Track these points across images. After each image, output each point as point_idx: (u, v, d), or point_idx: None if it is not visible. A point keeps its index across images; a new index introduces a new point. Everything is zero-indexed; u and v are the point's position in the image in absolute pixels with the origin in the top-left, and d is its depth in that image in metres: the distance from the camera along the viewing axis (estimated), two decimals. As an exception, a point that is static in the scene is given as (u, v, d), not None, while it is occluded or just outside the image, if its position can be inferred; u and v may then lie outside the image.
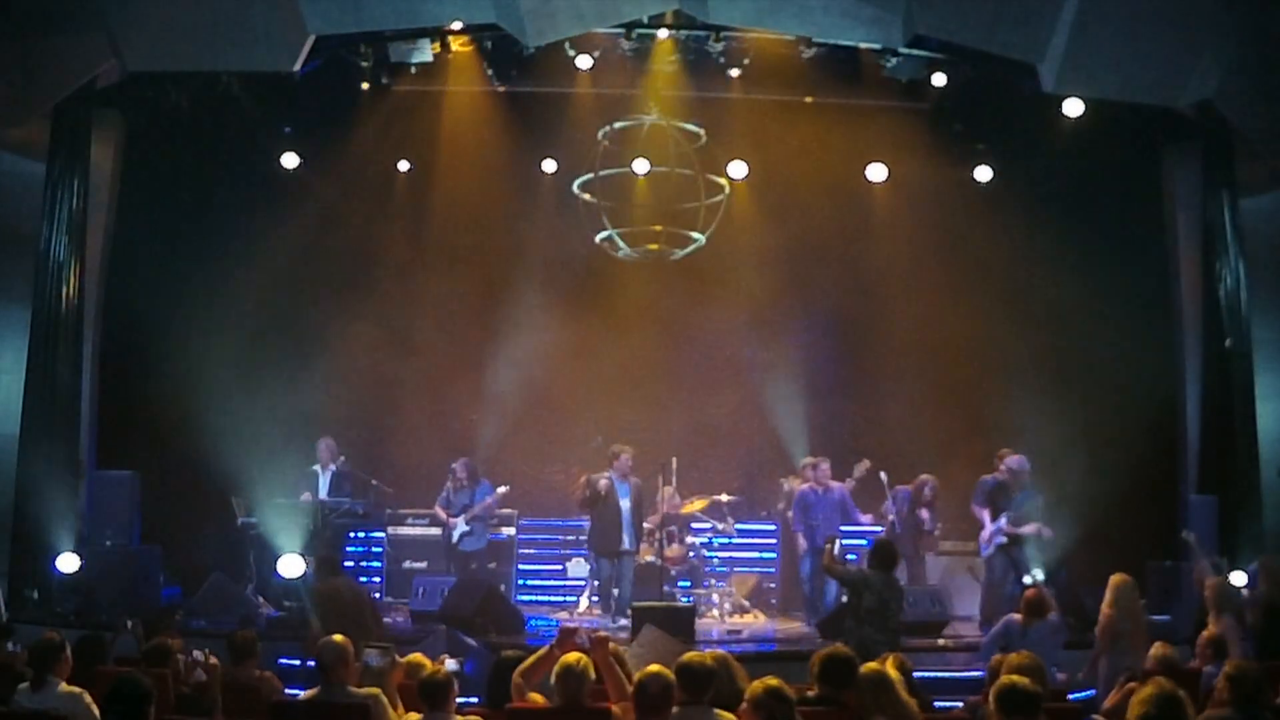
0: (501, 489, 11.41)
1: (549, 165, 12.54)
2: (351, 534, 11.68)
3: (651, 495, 11.42)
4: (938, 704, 6.34)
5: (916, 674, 6.00)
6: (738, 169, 12.20)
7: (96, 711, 5.21)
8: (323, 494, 11.18)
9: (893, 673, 5.08)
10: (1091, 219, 11.95)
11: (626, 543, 10.92)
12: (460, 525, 11.31)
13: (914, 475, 11.43)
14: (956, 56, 10.91)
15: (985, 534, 10.63)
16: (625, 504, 10.93)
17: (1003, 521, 10.53)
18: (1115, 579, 7.98)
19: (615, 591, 10.91)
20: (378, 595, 11.60)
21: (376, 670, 5.61)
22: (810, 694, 5.21)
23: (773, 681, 4.60)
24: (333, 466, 11.34)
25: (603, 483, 10.96)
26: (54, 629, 6.28)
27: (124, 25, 10.08)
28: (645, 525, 11.44)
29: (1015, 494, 10.60)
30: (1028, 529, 10.41)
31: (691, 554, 11.72)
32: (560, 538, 12.51)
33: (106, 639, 6.79)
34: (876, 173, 12.50)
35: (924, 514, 11.16)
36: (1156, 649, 6.72)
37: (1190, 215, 11.66)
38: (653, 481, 11.52)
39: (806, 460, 11.45)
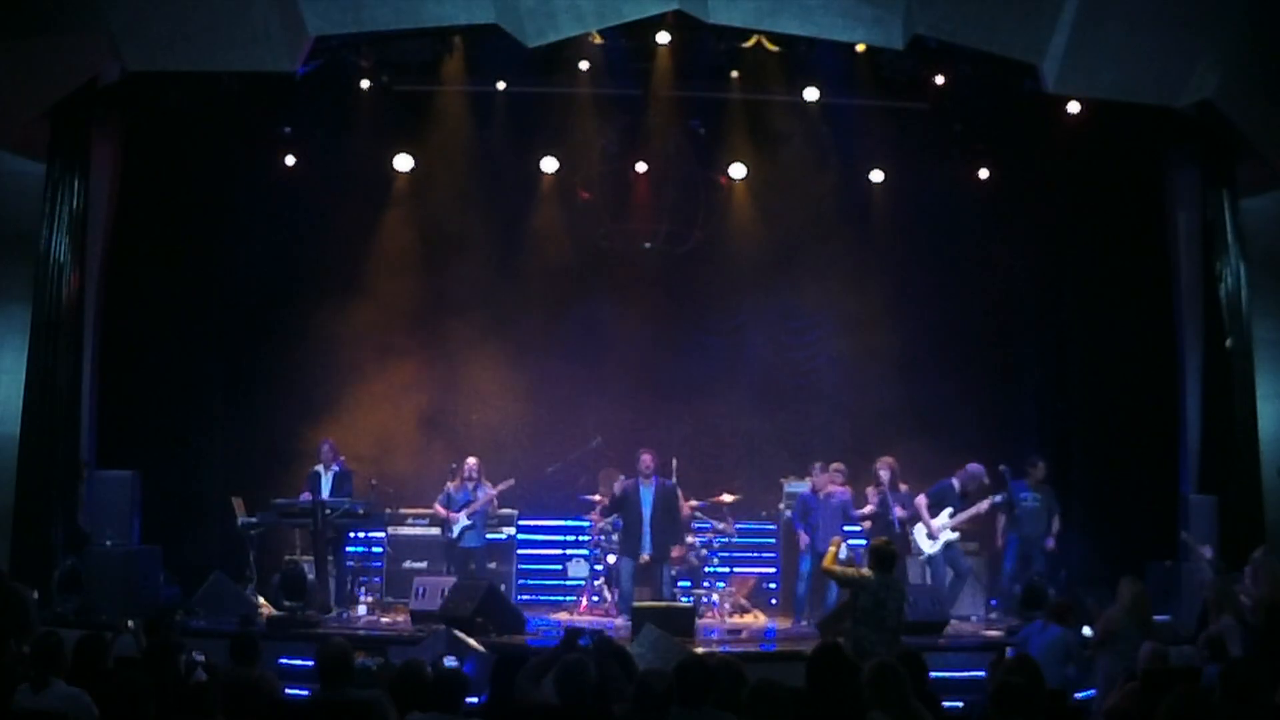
0: (504, 484, 11.44)
1: (549, 165, 12.54)
2: (351, 534, 11.68)
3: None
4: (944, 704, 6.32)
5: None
6: (737, 169, 12.20)
7: (97, 711, 5.20)
8: (325, 495, 11.18)
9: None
10: (1091, 219, 11.95)
11: (645, 548, 10.76)
12: (462, 520, 11.34)
13: (914, 474, 11.44)
14: (956, 56, 10.91)
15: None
16: (646, 509, 10.84)
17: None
18: (1126, 580, 7.95)
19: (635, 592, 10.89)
20: (377, 595, 11.64)
21: (370, 674, 5.61)
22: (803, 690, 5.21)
23: (764, 682, 4.60)
24: (334, 467, 11.34)
25: (617, 486, 10.96)
26: (53, 629, 6.27)
27: (124, 25, 10.08)
28: None
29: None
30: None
31: (691, 554, 11.72)
32: (560, 537, 12.51)
33: (106, 639, 6.78)
34: (876, 173, 12.50)
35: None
36: (1148, 648, 6.73)
37: (1190, 215, 11.66)
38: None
39: (835, 466, 11.38)
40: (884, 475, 11.11)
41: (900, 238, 12.45)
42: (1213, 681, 5.24)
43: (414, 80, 11.64)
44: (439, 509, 11.49)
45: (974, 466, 11.10)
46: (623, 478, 11.15)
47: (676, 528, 11.10)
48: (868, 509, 11.19)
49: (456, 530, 11.37)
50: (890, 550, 8.04)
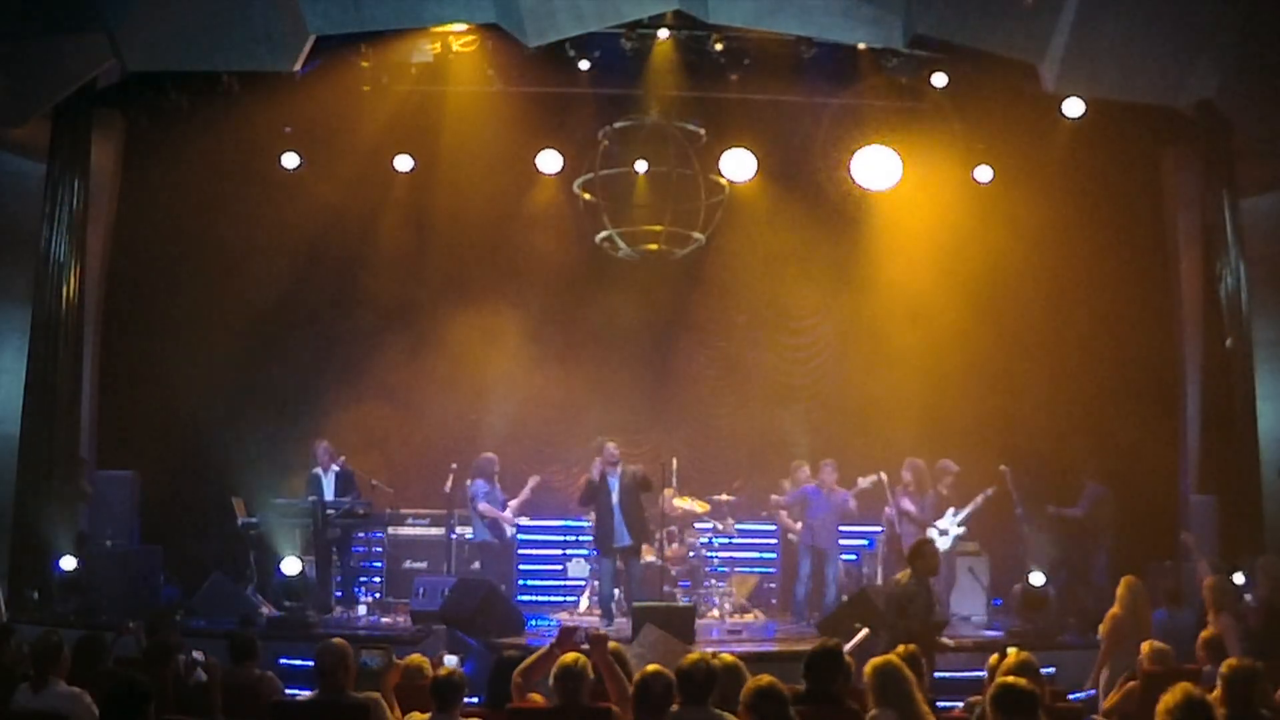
0: (533, 480, 11.48)
1: (549, 165, 12.51)
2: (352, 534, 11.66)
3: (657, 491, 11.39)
4: (938, 704, 6.32)
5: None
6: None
7: (96, 711, 5.20)
8: (328, 496, 11.16)
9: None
10: (1091, 219, 11.94)
11: (621, 538, 10.70)
12: (513, 520, 11.41)
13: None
14: (956, 56, 10.90)
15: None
16: (614, 497, 10.75)
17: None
18: (1126, 580, 8.00)
19: (616, 592, 10.88)
20: (377, 595, 11.64)
21: (373, 672, 5.61)
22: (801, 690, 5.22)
23: (764, 681, 4.59)
24: (334, 467, 11.32)
25: (595, 474, 10.86)
26: (54, 629, 6.27)
27: (124, 25, 10.08)
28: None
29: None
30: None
31: (691, 554, 11.72)
32: (560, 538, 12.51)
33: (107, 639, 6.79)
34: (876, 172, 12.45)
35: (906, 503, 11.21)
36: (1148, 647, 6.74)
37: (1190, 215, 11.66)
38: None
39: (827, 463, 11.41)
40: (906, 475, 11.16)
41: (900, 237, 12.43)
42: (1213, 681, 5.24)
43: (414, 80, 11.64)
44: (494, 510, 11.27)
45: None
46: (598, 462, 10.97)
47: (644, 515, 10.94)
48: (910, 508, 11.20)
49: (511, 531, 11.39)
50: (913, 549, 8.13)
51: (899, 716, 4.90)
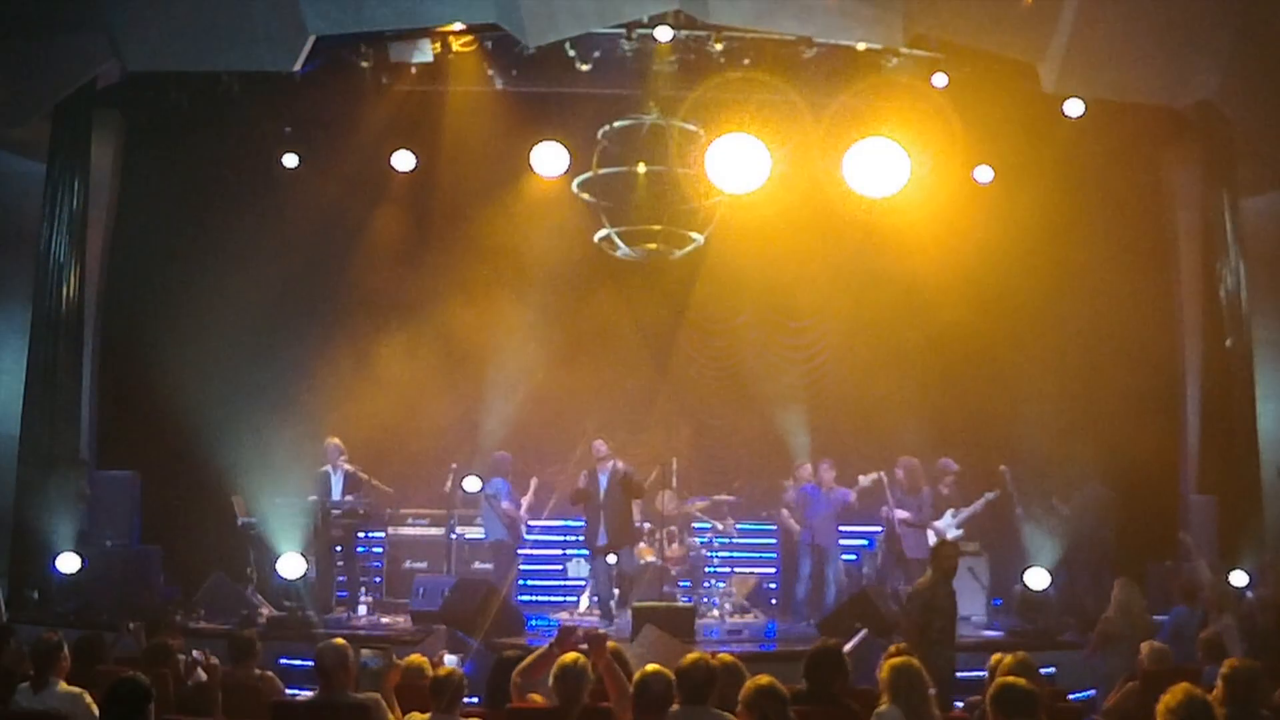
0: (533, 480, 11.60)
1: (549, 165, 12.49)
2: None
3: (654, 490, 11.38)
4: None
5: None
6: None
7: (96, 711, 5.21)
8: (335, 495, 11.15)
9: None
10: (1092, 219, 11.94)
11: (602, 538, 10.75)
12: (528, 519, 11.48)
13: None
14: (956, 56, 10.90)
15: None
16: (600, 497, 10.78)
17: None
18: (1118, 582, 8.02)
19: (616, 592, 10.88)
20: (377, 595, 11.63)
21: (374, 672, 5.61)
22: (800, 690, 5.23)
23: (764, 680, 4.60)
24: (342, 467, 11.33)
25: (583, 477, 10.91)
26: (54, 629, 6.28)
27: (124, 25, 10.10)
28: (647, 525, 11.46)
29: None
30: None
31: (691, 554, 11.72)
32: (560, 538, 12.51)
33: (106, 639, 6.79)
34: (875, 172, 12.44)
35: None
36: (1148, 647, 6.75)
37: (1190, 215, 11.66)
38: (654, 482, 11.53)
39: (824, 462, 11.50)
40: (899, 474, 11.15)
41: (900, 237, 12.42)
42: (1213, 681, 5.25)
43: (414, 80, 11.64)
44: (515, 509, 11.38)
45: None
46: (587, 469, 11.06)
47: (629, 515, 10.98)
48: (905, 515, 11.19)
49: (526, 530, 11.45)
50: (932, 550, 8.14)
51: (906, 714, 4.91)
